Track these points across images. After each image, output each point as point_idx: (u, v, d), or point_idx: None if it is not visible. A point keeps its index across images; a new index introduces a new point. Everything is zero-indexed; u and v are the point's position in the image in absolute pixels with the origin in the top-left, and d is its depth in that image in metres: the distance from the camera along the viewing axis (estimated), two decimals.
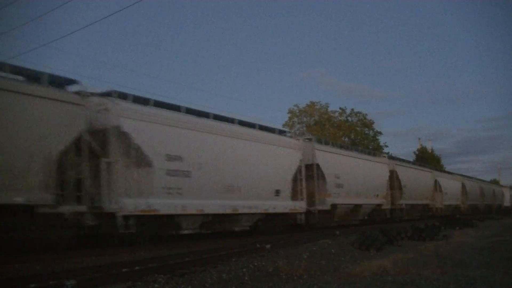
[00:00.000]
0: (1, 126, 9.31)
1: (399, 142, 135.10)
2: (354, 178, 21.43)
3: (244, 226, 15.69)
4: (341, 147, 23.04)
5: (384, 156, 28.37)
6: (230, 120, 15.82)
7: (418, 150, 60.32)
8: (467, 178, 44.55)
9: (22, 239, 9.59)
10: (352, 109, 47.25)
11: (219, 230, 14.94)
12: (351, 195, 21.07)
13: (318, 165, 18.79)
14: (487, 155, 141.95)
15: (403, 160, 31.27)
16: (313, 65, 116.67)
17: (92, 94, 11.42)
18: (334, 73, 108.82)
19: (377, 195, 24.04)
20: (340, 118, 46.46)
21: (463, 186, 40.17)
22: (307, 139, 19.76)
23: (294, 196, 17.60)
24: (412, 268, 8.45)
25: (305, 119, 45.91)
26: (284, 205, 16.87)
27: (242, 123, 16.23)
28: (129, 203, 11.27)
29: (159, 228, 12.44)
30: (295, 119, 45.64)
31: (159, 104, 13.18)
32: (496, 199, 55.55)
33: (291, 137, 19.44)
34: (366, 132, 47.62)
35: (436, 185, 33.34)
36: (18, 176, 9.34)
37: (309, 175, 18.51)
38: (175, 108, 13.76)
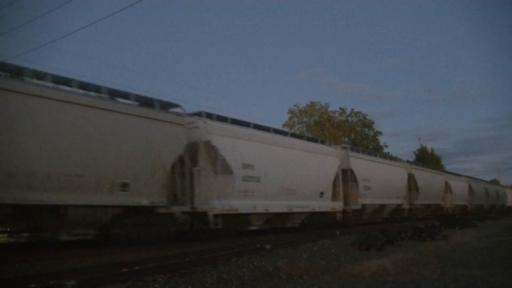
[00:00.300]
0: (139, 146, 11.94)
1: (399, 142, 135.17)
2: (380, 181, 23.95)
3: (295, 223, 18.27)
4: (368, 153, 25.76)
5: (404, 161, 30.81)
6: (285, 133, 19.32)
7: (418, 150, 60.32)
8: (473, 179, 47.13)
9: (142, 233, 12.15)
10: (352, 109, 47.29)
11: (277, 226, 17.39)
12: (377, 196, 23.72)
13: (351, 170, 21.54)
14: (487, 155, 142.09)
15: (419, 164, 34.42)
16: (313, 65, 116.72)
17: (187, 115, 13.97)
18: (334, 73, 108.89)
19: (398, 196, 26.72)
20: (340, 118, 46.45)
21: (470, 187, 42.57)
22: (343, 147, 22.82)
23: (334, 197, 20.25)
24: (412, 268, 8.45)
25: (305, 119, 45.90)
26: (326, 205, 19.60)
27: (293, 135, 20.12)
28: (217, 204, 13.69)
29: (237, 224, 15.07)
30: (295, 119, 45.63)
31: (234, 121, 15.92)
32: (499, 199, 57.20)
33: (330, 145, 21.94)
34: (366, 132, 47.62)
35: (447, 187, 35.97)
36: (145, 185, 11.90)
37: (344, 178, 21.16)
38: (246, 124, 16.58)
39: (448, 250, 12.15)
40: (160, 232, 12.62)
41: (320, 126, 44.07)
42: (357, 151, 24.15)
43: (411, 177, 28.87)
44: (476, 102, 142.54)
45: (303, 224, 18.57)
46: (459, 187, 39.41)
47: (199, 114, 14.57)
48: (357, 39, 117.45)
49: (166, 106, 13.39)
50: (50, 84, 10.54)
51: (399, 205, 26.90)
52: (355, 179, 21.61)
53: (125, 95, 12.35)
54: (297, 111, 45.51)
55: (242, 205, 14.65)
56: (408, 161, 31.66)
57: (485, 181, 57.16)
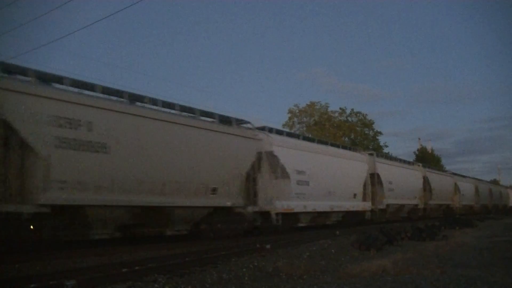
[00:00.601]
0: (224, 158, 14.38)
1: (399, 142, 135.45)
2: (401, 184, 26.85)
3: (333, 221, 20.92)
4: (390, 159, 29.18)
5: (419, 165, 33.62)
6: (325, 143, 22.29)
7: (418, 150, 60.33)
8: (479, 181, 50.09)
9: (224, 229, 14.65)
10: (352, 109, 47.28)
11: (319, 223, 19.97)
12: (399, 197, 26.62)
13: (378, 174, 24.30)
14: (487, 155, 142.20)
15: (433, 168, 37.33)
16: (313, 65, 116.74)
17: (255, 129, 16.70)
18: (334, 73, 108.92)
19: (415, 197, 29.80)
20: (340, 118, 46.42)
21: (476, 188, 45.24)
22: (370, 154, 25.34)
23: (364, 198, 22.94)
24: (412, 268, 8.44)
25: (305, 119, 45.89)
26: (359, 205, 22.28)
27: (332, 144, 22.77)
28: (278, 204, 16.17)
29: (291, 221, 17.51)
30: (295, 119, 45.61)
31: (288, 134, 19.80)
32: (502, 199, 59.67)
33: (360, 153, 24.66)
34: (366, 132, 47.60)
35: (455, 188, 38.54)
36: (228, 189, 14.52)
37: (372, 181, 23.87)
38: (296, 136, 20.97)
39: (448, 250, 12.13)
40: (237, 228, 15.16)
41: (320, 126, 44.05)
42: (382, 156, 28.03)
43: (425, 180, 31.59)
44: (476, 102, 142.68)
45: (340, 221, 21.11)
46: (467, 188, 41.94)
47: (262, 129, 17.39)
48: (357, 39, 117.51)
49: (240, 122, 16.22)
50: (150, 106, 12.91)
51: (415, 205, 29.90)
52: (380, 182, 24.43)
53: (209, 114, 15.05)
54: (297, 111, 45.50)
55: (297, 205, 17.36)
56: (423, 165, 34.33)
57: (490, 183, 60.78)
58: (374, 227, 17.54)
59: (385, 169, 25.32)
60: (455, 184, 38.56)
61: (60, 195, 9.90)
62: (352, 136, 46.06)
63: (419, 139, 63.69)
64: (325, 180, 19.27)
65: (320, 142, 21.66)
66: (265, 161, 16.09)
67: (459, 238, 16.12)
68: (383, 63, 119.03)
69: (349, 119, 46.98)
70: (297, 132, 38.66)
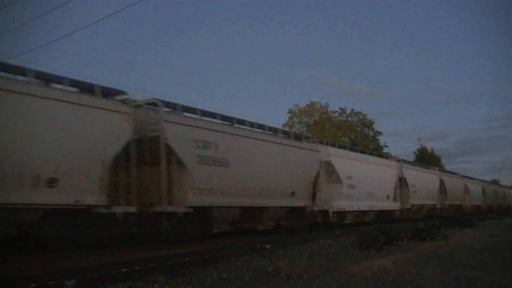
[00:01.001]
0: (298, 167, 18.08)
1: (399, 142, 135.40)
2: (422, 186, 30.58)
3: (370, 218, 24.38)
4: (413, 164, 33.22)
5: (436, 169, 37.85)
6: (363, 152, 26.79)
7: (418, 150, 60.33)
8: (485, 182, 54.62)
9: (297, 224, 18.19)
10: (352, 109, 47.33)
11: (360, 220, 23.24)
12: (420, 198, 30.28)
13: (405, 178, 27.97)
14: (487, 155, 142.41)
15: (446, 171, 41.77)
16: (313, 65, 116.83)
17: (317, 143, 20.61)
18: (334, 73, 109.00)
19: (433, 198, 33.64)
20: (340, 118, 46.45)
21: (483, 189, 48.69)
22: (398, 160, 29.38)
23: (394, 199, 26.40)
24: (412, 268, 8.44)
25: (305, 119, 45.91)
26: (391, 205, 25.91)
27: (370, 153, 27.37)
28: (334, 204, 19.78)
29: (340, 219, 20.73)
30: (295, 119, 45.64)
31: (339, 146, 23.72)
32: (506, 199, 63.02)
33: (390, 159, 29.42)
34: (366, 132, 47.62)
35: (465, 189, 41.89)
36: (301, 192, 18.10)
37: (400, 184, 27.44)
38: (344, 147, 24.80)
39: (448, 250, 12.13)
40: (305, 223, 18.91)
41: (320, 126, 44.07)
42: (408, 163, 31.94)
43: (441, 182, 35.30)
44: (476, 102, 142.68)
45: (375, 219, 24.51)
46: (475, 189, 45.38)
47: (321, 142, 21.59)
48: (357, 39, 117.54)
49: (307, 137, 20.68)
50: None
51: (433, 204, 33.75)
52: (406, 185, 28.00)
53: (285, 132, 19.30)
54: (297, 111, 45.52)
55: (347, 205, 20.95)
56: (439, 170, 38.76)
57: (492, 183, 64.30)
58: (401, 225, 19.62)
59: (410, 174, 29.20)
60: (465, 185, 41.89)
61: (200, 199, 13.21)
62: (352, 136, 46.07)
63: (419, 139, 63.86)
64: (366, 183, 22.83)
65: (361, 151, 26.24)
66: (323, 169, 19.67)
67: (459, 238, 16.11)
68: (383, 63, 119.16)
69: (349, 119, 47.02)
70: (298, 132, 38.74)
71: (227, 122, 15.76)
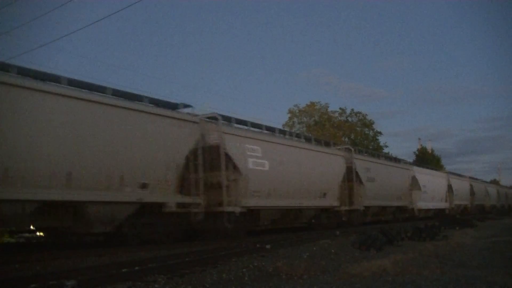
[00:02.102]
0: (330, 173, 20.44)
1: (399, 142, 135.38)
2: (431, 188, 32.84)
3: (388, 213, 27.42)
4: (422, 167, 34.71)
5: (445, 171, 40.72)
6: (379, 155, 29.66)
7: (418, 150, 60.28)
8: (488, 183, 57.21)
9: (329, 223, 20.45)
10: (352, 109, 47.33)
11: (378, 217, 26.26)
12: (430, 199, 32.47)
13: (417, 179, 30.54)
14: (487, 155, 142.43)
15: (453, 173, 42.67)
16: (313, 65, 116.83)
17: (342, 148, 23.28)
18: (334, 73, 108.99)
19: (441, 199, 35.58)
20: (340, 118, 46.44)
21: (486, 189, 50.61)
22: (410, 163, 32.60)
23: (406, 198, 28.94)
24: (412, 268, 8.43)
25: (305, 119, 45.90)
26: (404, 203, 28.57)
27: (386, 157, 30.99)
28: (360, 202, 22.32)
29: (363, 217, 23.46)
30: (295, 119, 45.64)
31: (359, 151, 26.45)
32: (508, 200, 64.28)
33: (405, 163, 31.83)
34: (366, 132, 47.61)
35: (471, 190, 43.86)
36: (332, 193, 20.16)
37: (412, 185, 30.15)
38: (363, 150, 27.75)
39: (448, 250, 12.13)
40: (334, 222, 20.83)
41: (320, 126, 44.05)
42: (419, 166, 34.33)
43: (449, 184, 37.40)
44: (477, 102, 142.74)
45: (391, 218, 27.45)
46: (480, 189, 47.56)
47: (346, 148, 23.99)
48: (357, 39, 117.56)
49: (334, 144, 23.34)
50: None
51: (442, 205, 36.15)
52: (419, 187, 30.30)
53: (316, 140, 21.78)
54: (297, 111, 45.51)
55: (368, 203, 23.31)
56: (448, 172, 40.84)
57: (497, 184, 66.90)
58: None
59: (421, 176, 31.48)
60: (471, 185, 44.46)
61: (252, 201, 15.14)
62: (352, 136, 46.06)
63: (419, 139, 63.81)
64: (384, 184, 25.18)
65: (377, 155, 29.06)
66: (349, 172, 21.76)
67: (459, 238, 16.10)
68: (383, 63, 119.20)
69: (349, 119, 47.02)
70: (298, 132, 38.81)
71: (269, 132, 18.08)
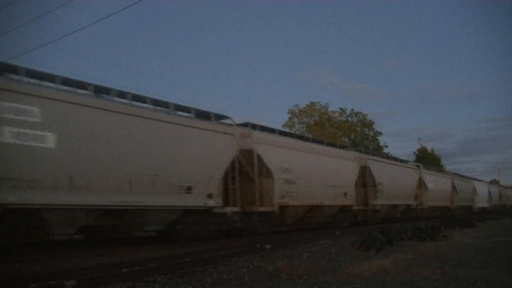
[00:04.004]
0: (348, 171, 21.77)
1: (400, 142, 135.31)
2: (437, 188, 33.94)
3: (398, 212, 28.23)
4: (427, 168, 35.66)
5: (450, 173, 41.23)
6: (391, 158, 31.86)
7: (418, 150, 60.23)
8: (491, 184, 57.85)
9: (344, 221, 21.77)
10: (352, 109, 47.30)
11: (390, 215, 27.20)
12: (435, 199, 33.42)
13: (423, 181, 31.69)
14: (488, 155, 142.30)
15: (457, 174, 43.56)
16: (313, 65, 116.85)
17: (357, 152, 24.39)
18: (334, 73, 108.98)
19: (446, 199, 36.60)
20: (340, 118, 46.41)
21: (489, 190, 51.40)
22: (417, 165, 33.10)
23: (414, 198, 30.17)
24: (412, 268, 8.44)
25: (305, 119, 45.88)
26: (410, 202, 29.36)
27: (395, 159, 31.07)
28: (374, 202, 23.29)
29: (375, 216, 24.72)
30: (295, 119, 45.60)
31: (373, 153, 27.61)
32: (510, 200, 65.20)
33: (410, 164, 33.03)
34: (366, 132, 47.59)
35: (474, 191, 44.78)
36: (350, 195, 21.11)
37: (419, 185, 31.32)
38: (375, 153, 28.53)
39: (448, 250, 12.13)
40: (350, 219, 22.14)
41: (320, 126, 44.04)
42: (426, 168, 34.96)
43: (453, 185, 38.45)
44: (477, 102, 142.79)
45: (399, 216, 28.64)
46: (483, 190, 48.48)
47: (359, 151, 25.32)
48: (358, 39, 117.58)
49: (347, 147, 25.41)
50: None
51: (448, 205, 37.07)
52: (425, 186, 31.70)
53: (330, 144, 22.66)
54: (297, 111, 45.49)
55: (383, 201, 24.42)
56: (453, 173, 41.56)
57: (498, 185, 67.89)
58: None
59: (427, 177, 32.63)
60: (474, 187, 45.39)
61: (281, 200, 16.18)
62: (352, 136, 46.05)
63: (419, 139, 63.77)
64: (394, 185, 26.45)
65: (387, 157, 31.13)
66: (362, 173, 22.93)
67: (459, 238, 16.12)
68: (384, 63, 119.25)
69: (349, 119, 46.99)
70: (297, 132, 38.86)
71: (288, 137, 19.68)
